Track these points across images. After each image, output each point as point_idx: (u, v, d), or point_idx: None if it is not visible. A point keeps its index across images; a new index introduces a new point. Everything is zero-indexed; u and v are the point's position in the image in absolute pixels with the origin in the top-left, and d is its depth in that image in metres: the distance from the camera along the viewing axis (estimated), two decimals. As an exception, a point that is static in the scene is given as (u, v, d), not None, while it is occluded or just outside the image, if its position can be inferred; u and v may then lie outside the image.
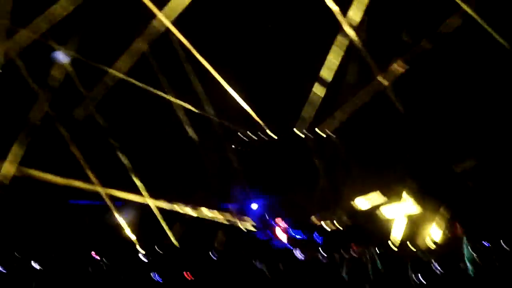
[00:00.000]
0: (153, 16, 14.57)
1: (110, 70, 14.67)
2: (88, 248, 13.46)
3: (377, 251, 11.79)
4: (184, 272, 10.41)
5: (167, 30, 15.37)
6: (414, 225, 14.45)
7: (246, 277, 10.14)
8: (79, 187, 14.09)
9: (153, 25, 14.37)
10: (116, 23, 14.91)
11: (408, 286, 9.16)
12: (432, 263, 10.13)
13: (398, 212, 15.15)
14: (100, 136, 15.49)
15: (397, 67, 15.82)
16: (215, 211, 15.97)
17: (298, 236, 15.60)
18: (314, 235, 15.47)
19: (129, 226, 14.93)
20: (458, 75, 15.27)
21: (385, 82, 16.03)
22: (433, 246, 13.06)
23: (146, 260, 12.15)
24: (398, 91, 16.00)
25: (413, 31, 15.71)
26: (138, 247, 14.48)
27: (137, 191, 15.02)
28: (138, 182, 15.19)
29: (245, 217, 16.49)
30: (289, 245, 14.75)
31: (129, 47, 14.85)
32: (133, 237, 14.81)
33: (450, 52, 15.08)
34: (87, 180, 14.52)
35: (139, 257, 12.72)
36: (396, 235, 14.78)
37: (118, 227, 14.83)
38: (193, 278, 10.27)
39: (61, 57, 14.08)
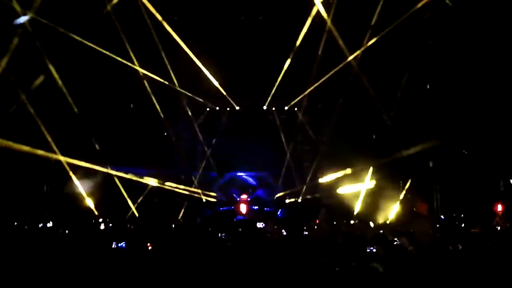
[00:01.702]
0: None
1: (73, 35, 14.30)
2: (48, 217, 13.17)
3: (340, 225, 11.90)
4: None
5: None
6: (376, 203, 14.62)
7: (208, 249, 10.01)
8: (40, 155, 13.72)
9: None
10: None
11: (369, 260, 9.17)
12: (394, 238, 10.20)
13: (361, 190, 15.31)
14: (62, 103, 15.07)
15: (366, 47, 15.89)
16: (179, 183, 15.84)
17: (261, 210, 15.63)
18: (277, 210, 15.54)
19: (89, 195, 14.67)
20: (427, 58, 15.42)
21: (355, 62, 16.09)
22: (395, 222, 13.24)
23: (105, 229, 11.94)
24: (367, 71, 16.09)
25: (384, 12, 15.76)
26: (98, 216, 14.28)
27: (99, 161, 14.74)
28: (100, 152, 14.94)
29: (209, 191, 16.43)
30: (251, 219, 14.74)
31: (94, 12, 14.54)
32: (92, 206, 14.58)
33: (419, 34, 15.19)
34: (48, 148, 14.17)
35: (99, 226, 12.49)
36: (359, 211, 14.97)
37: (79, 196, 14.57)
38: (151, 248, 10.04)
39: (21, 18, 13.53)
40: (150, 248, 9.79)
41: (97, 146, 15.05)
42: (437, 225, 11.89)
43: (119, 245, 9.86)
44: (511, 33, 13.91)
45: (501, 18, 13.88)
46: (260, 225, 11.80)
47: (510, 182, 14.28)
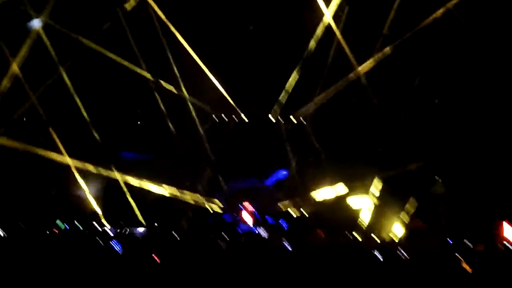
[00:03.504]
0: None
1: (85, 41, 14.48)
2: (53, 218, 13.26)
3: (342, 239, 11.92)
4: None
5: (147, 5, 15.29)
6: (379, 217, 14.61)
7: (208, 257, 10.07)
8: (48, 157, 13.87)
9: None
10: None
11: (370, 274, 9.23)
12: (395, 253, 10.23)
13: (364, 203, 15.31)
14: (72, 107, 15.20)
15: (375, 60, 15.95)
16: (184, 191, 15.88)
17: (264, 221, 15.60)
18: (280, 220, 15.51)
19: (95, 199, 14.77)
20: (434, 73, 15.46)
21: (362, 75, 16.15)
22: (395, 238, 13.25)
23: (111, 234, 12.01)
24: (374, 84, 16.14)
25: (392, 25, 15.84)
26: (103, 220, 14.36)
27: (106, 166, 14.84)
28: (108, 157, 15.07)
29: (213, 199, 16.44)
30: (254, 229, 14.75)
31: (106, 18, 14.73)
32: (98, 210, 14.68)
33: (428, 47, 15.23)
34: (57, 150, 14.31)
35: (104, 230, 12.58)
36: (361, 225, 14.95)
37: (85, 200, 14.67)
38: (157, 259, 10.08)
39: (35, 23, 13.73)
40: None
41: (104, 149, 15.16)
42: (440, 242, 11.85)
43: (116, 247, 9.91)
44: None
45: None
46: (262, 235, 11.84)
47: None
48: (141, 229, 12.93)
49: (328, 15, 16.07)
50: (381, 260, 8.85)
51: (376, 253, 9.25)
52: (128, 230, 12.72)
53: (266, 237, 11.80)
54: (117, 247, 9.73)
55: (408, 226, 14.29)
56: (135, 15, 15.24)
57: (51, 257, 9.06)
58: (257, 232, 12.92)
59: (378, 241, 11.99)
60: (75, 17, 14.37)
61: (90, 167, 14.39)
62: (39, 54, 14.10)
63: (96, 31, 14.81)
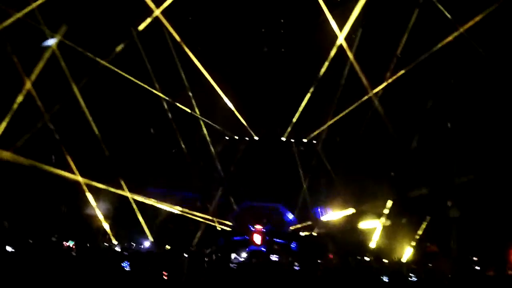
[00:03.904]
0: (148, 11, 14.71)
1: (100, 60, 14.65)
2: (62, 236, 13.28)
3: (352, 259, 11.79)
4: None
5: (161, 25, 15.46)
6: (391, 240, 14.44)
7: (218, 277, 10.00)
8: (60, 175, 13.94)
9: (145, 19, 14.56)
10: (108, 12, 14.80)
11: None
12: (405, 275, 10.08)
13: (376, 226, 15.16)
14: (83, 125, 15.30)
15: (387, 82, 15.91)
16: (195, 211, 15.86)
17: (274, 241, 15.52)
18: (290, 242, 15.42)
19: (105, 217, 14.79)
20: (447, 96, 15.35)
21: (375, 97, 16.10)
22: (406, 260, 13.07)
23: (119, 251, 11.98)
24: (387, 106, 16.07)
25: (405, 47, 15.81)
26: (112, 238, 14.37)
27: (116, 184, 14.87)
28: (118, 175, 15.10)
29: (224, 219, 16.40)
30: (264, 249, 14.65)
31: (120, 37, 14.93)
32: (107, 228, 14.69)
33: (441, 70, 15.16)
34: (67, 168, 14.37)
35: (113, 247, 12.57)
36: (372, 247, 14.80)
37: (94, 218, 14.69)
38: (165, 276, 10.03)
39: (50, 41, 13.92)
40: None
41: (116, 169, 15.20)
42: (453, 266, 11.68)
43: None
44: None
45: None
46: (274, 257, 11.72)
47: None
48: (148, 246, 12.87)
49: (341, 37, 16.10)
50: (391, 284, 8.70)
51: (385, 277, 9.10)
52: (135, 247, 12.69)
53: (276, 258, 11.67)
54: (125, 264, 9.70)
55: (420, 250, 14.11)
56: (149, 35, 15.41)
57: (59, 274, 9.04)
58: (267, 252, 12.79)
59: (389, 264, 11.78)
60: (89, 36, 14.54)
61: (101, 185, 14.42)
62: (53, 73, 14.26)
63: (111, 51, 14.98)
